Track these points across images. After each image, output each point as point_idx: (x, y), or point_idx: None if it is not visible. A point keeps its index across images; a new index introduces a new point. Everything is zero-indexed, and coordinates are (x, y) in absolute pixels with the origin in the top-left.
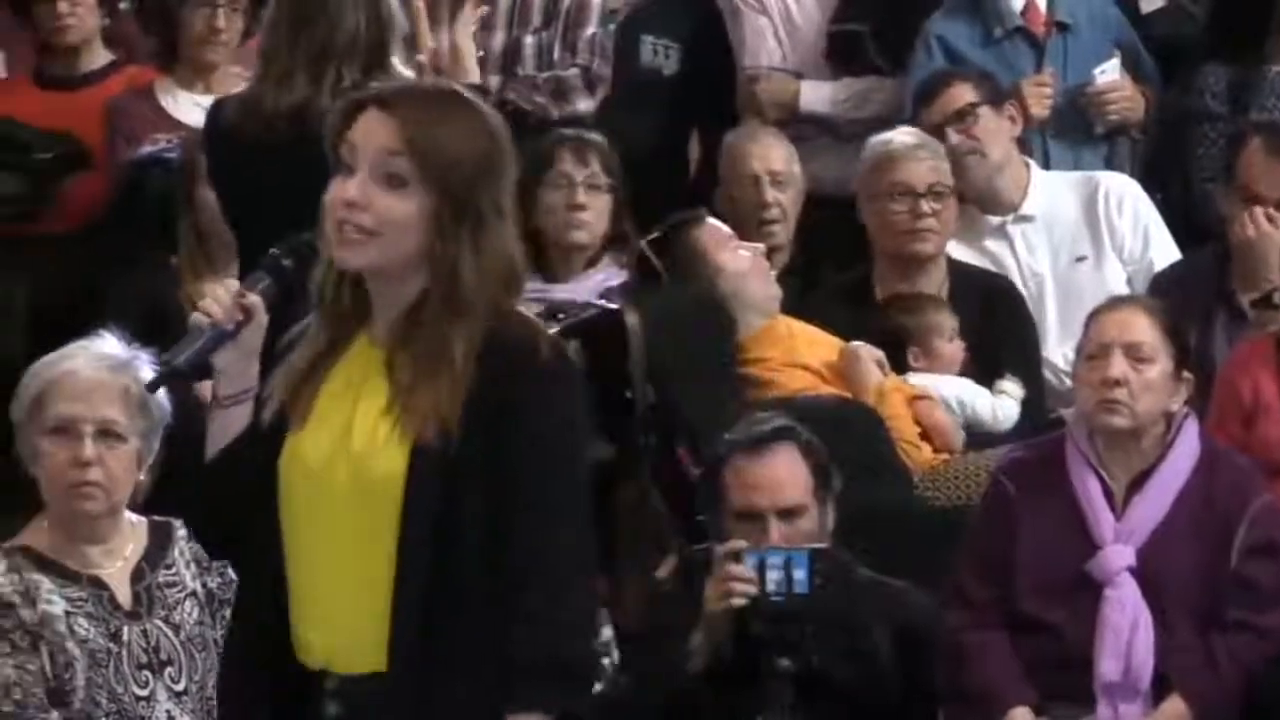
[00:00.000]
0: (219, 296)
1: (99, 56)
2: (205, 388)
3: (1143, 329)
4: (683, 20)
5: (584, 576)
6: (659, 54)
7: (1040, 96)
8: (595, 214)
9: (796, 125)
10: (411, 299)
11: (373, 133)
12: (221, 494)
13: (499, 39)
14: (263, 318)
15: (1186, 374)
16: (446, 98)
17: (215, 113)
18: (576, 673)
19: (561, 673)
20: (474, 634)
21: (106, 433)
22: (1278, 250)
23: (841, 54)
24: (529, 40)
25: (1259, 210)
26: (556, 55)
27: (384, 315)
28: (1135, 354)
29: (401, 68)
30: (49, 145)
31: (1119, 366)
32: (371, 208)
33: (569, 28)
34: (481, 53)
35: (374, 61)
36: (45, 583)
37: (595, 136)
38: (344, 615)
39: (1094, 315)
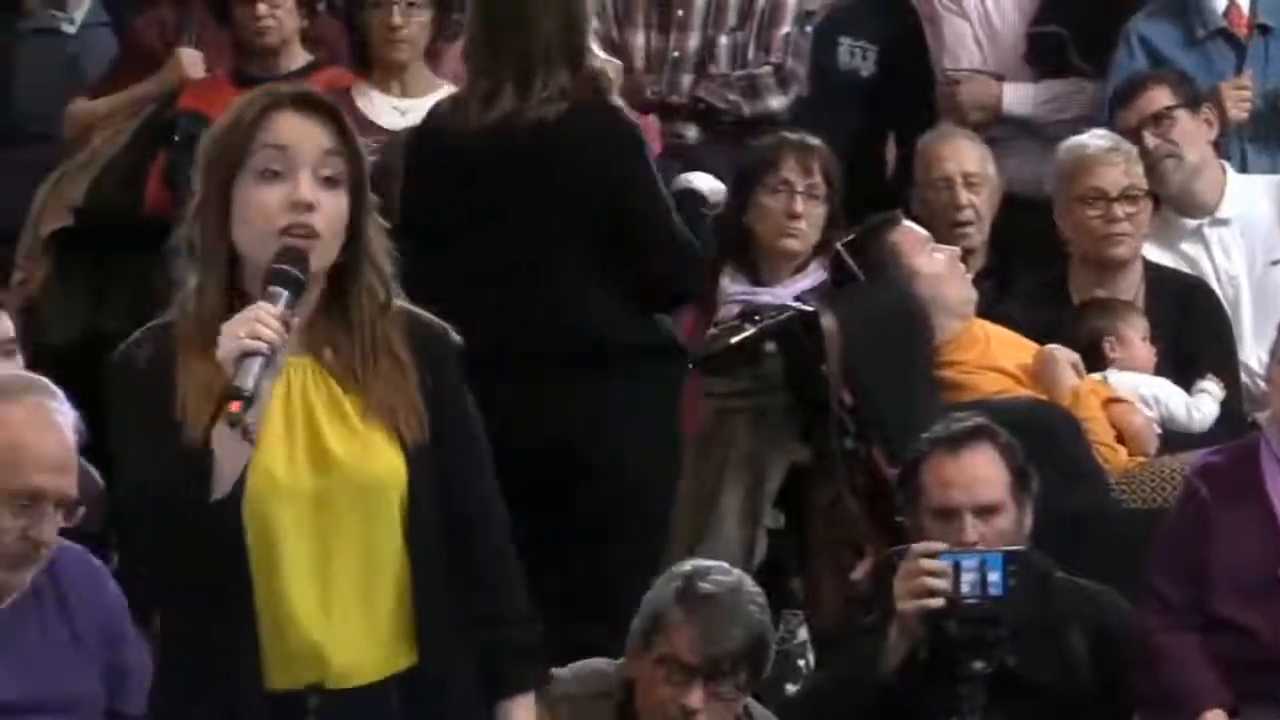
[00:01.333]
0: (265, 318)
1: (297, 58)
2: None
3: None
4: (880, 22)
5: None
6: (856, 56)
7: (1239, 99)
8: (811, 222)
9: (995, 127)
10: (314, 302)
11: (308, 135)
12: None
13: (694, 39)
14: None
15: None
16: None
17: (428, 119)
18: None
19: (537, 652)
20: (466, 623)
21: None
22: None
23: (1041, 56)
24: (723, 40)
25: None
26: (751, 55)
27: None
28: None
29: (596, 60)
30: None
31: None
32: (321, 209)
33: (763, 27)
34: (676, 53)
35: (574, 64)
36: None
37: (818, 142)
38: (344, 627)
39: None
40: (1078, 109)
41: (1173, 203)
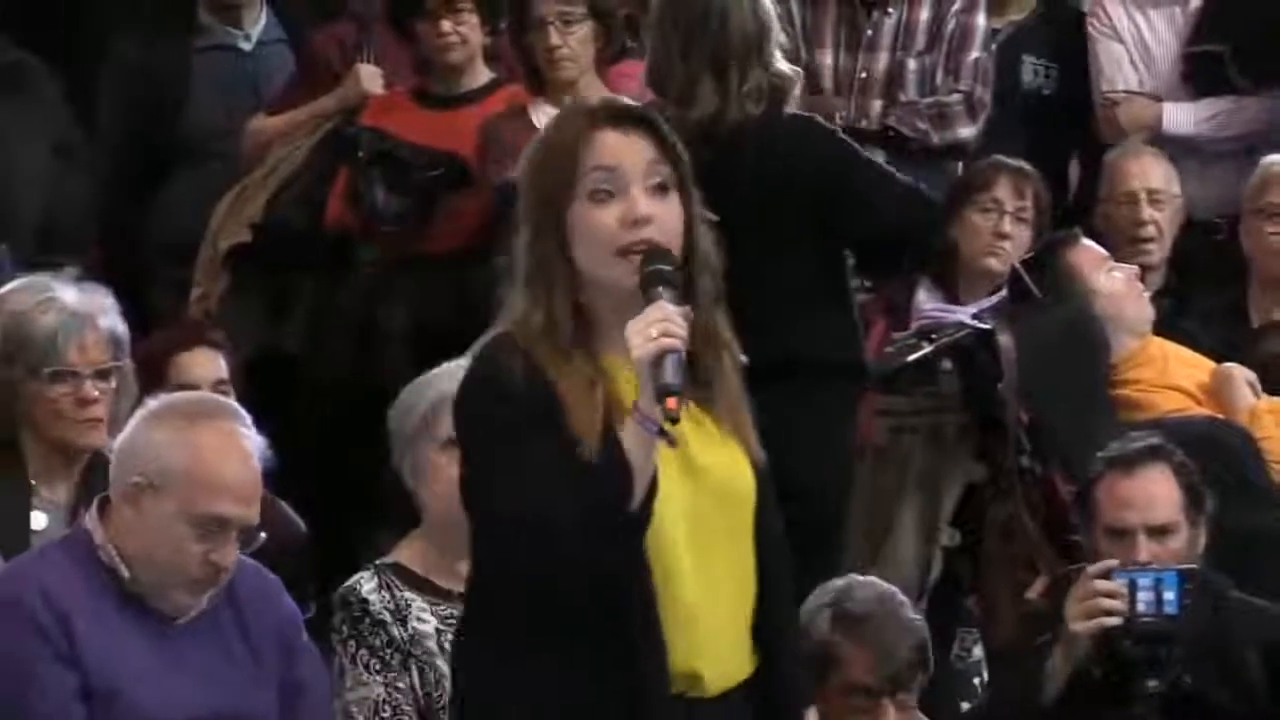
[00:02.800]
0: (672, 316)
1: (480, 75)
2: None
3: None
4: (1061, 40)
5: None
6: (1039, 74)
7: None
8: (1016, 245)
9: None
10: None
11: (632, 149)
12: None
13: (882, 60)
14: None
15: None
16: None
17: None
18: None
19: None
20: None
21: None
22: None
23: (1200, 75)
24: (912, 64)
25: None
26: (939, 79)
27: (619, 326)
28: None
29: (781, 64)
30: (430, 163)
31: None
32: (656, 220)
33: (952, 52)
34: (864, 74)
35: (761, 60)
36: (417, 600)
37: (1033, 170)
38: (721, 635)
39: None
40: (1239, 127)
41: None
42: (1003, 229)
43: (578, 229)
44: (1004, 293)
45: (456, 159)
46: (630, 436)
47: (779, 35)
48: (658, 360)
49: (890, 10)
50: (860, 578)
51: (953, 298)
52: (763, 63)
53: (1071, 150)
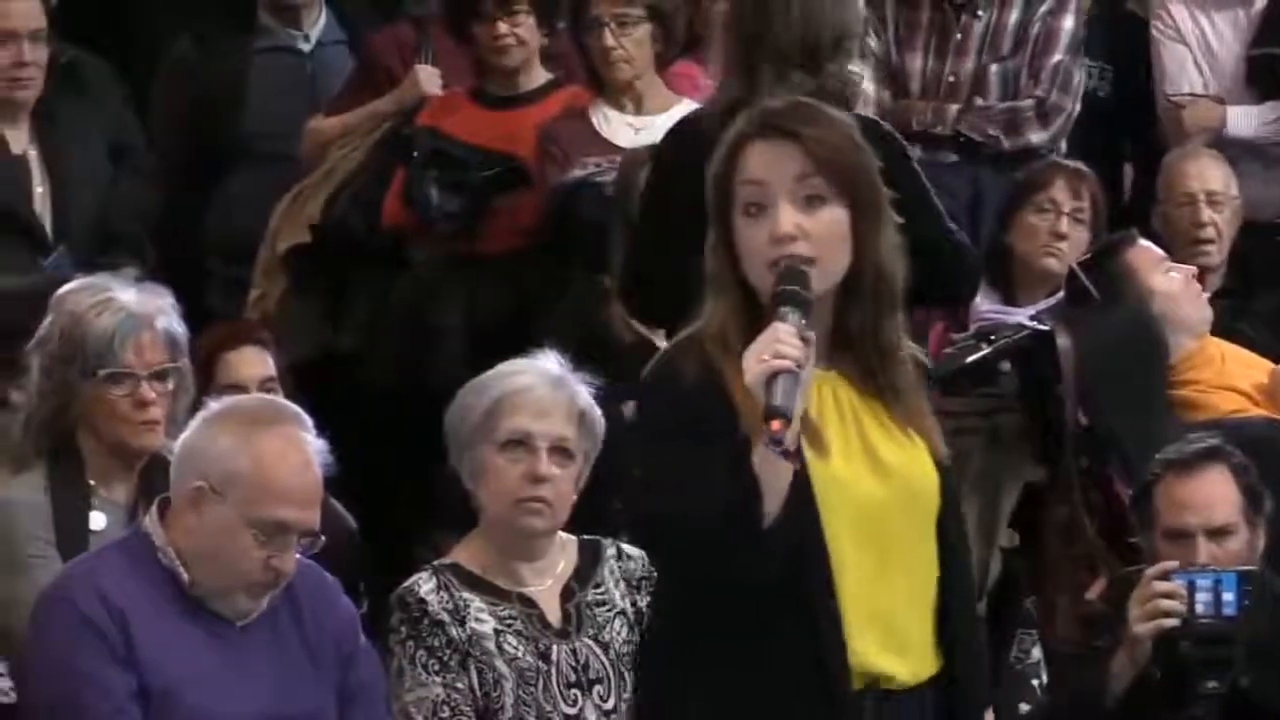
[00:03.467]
0: (784, 338)
1: (537, 76)
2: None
3: None
4: (1117, 43)
5: None
6: (1094, 76)
7: None
8: (1073, 245)
9: (1224, 151)
10: (830, 314)
11: (779, 164)
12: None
13: (969, 64)
14: (813, 353)
15: None
16: (809, 110)
17: (685, 123)
18: None
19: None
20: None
21: (559, 449)
22: None
23: (1263, 78)
24: (994, 69)
25: None
26: (1022, 83)
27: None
28: None
29: (855, 67)
30: (486, 163)
31: None
32: (807, 234)
33: (1035, 55)
34: (952, 77)
35: (836, 63)
36: (475, 601)
37: (1089, 171)
38: (906, 632)
39: None
40: None
41: None
42: (1060, 229)
43: (739, 240)
44: (1062, 294)
45: (512, 159)
46: (759, 454)
47: (858, 38)
48: (768, 382)
49: (980, 14)
50: None
51: (1009, 299)
52: (837, 63)
53: (1126, 152)
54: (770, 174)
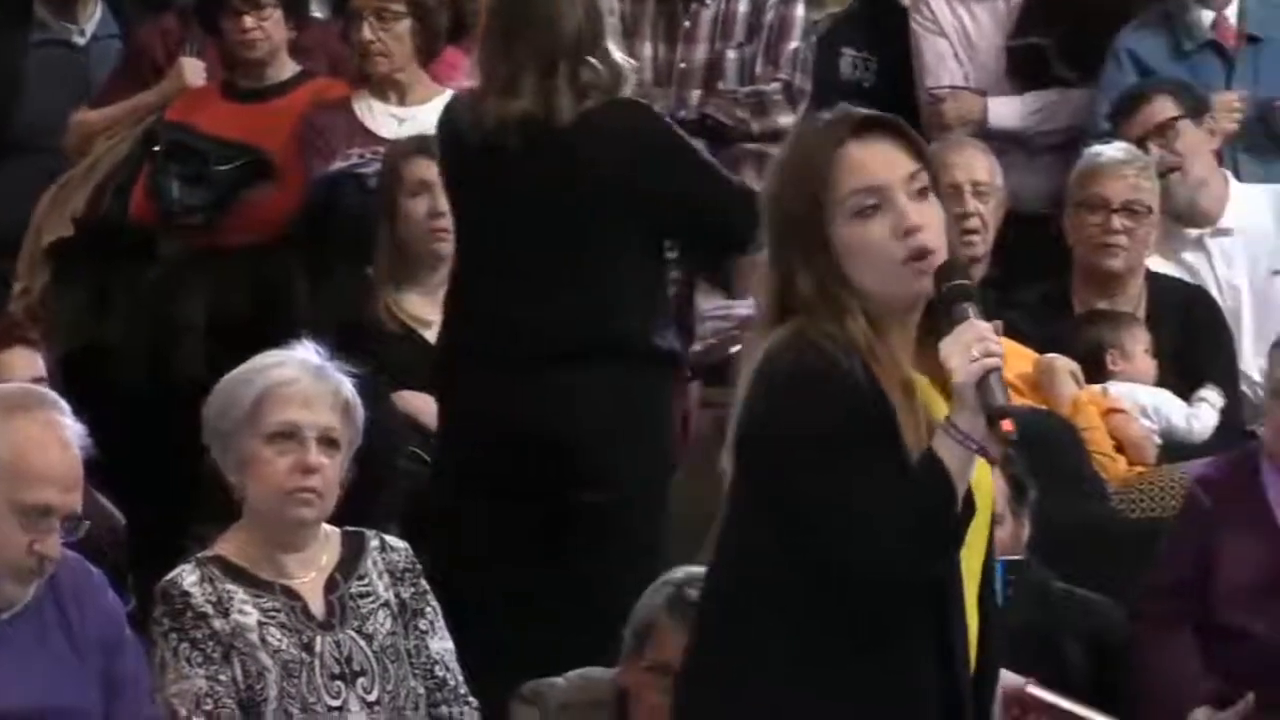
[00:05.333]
0: (988, 334)
1: (285, 68)
2: (401, 397)
3: None
4: (881, 33)
5: None
6: (859, 67)
7: (1231, 111)
8: None
9: (987, 141)
10: (918, 316)
11: (889, 162)
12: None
13: (701, 51)
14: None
15: None
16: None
17: (446, 114)
18: None
19: None
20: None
21: (326, 440)
22: None
23: (1023, 68)
24: (731, 55)
25: None
26: (759, 70)
27: (901, 335)
28: None
29: (619, 55)
30: (229, 156)
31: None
32: (928, 226)
33: (771, 42)
34: (683, 64)
35: (595, 55)
36: (239, 593)
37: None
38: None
39: (1274, 347)
40: (1065, 119)
41: (1177, 214)
42: None
43: (849, 248)
44: None
45: (255, 152)
46: (947, 451)
47: (615, 27)
48: (982, 381)
49: (708, 2)
50: None
51: (732, 294)
52: (597, 57)
53: None
54: (882, 173)
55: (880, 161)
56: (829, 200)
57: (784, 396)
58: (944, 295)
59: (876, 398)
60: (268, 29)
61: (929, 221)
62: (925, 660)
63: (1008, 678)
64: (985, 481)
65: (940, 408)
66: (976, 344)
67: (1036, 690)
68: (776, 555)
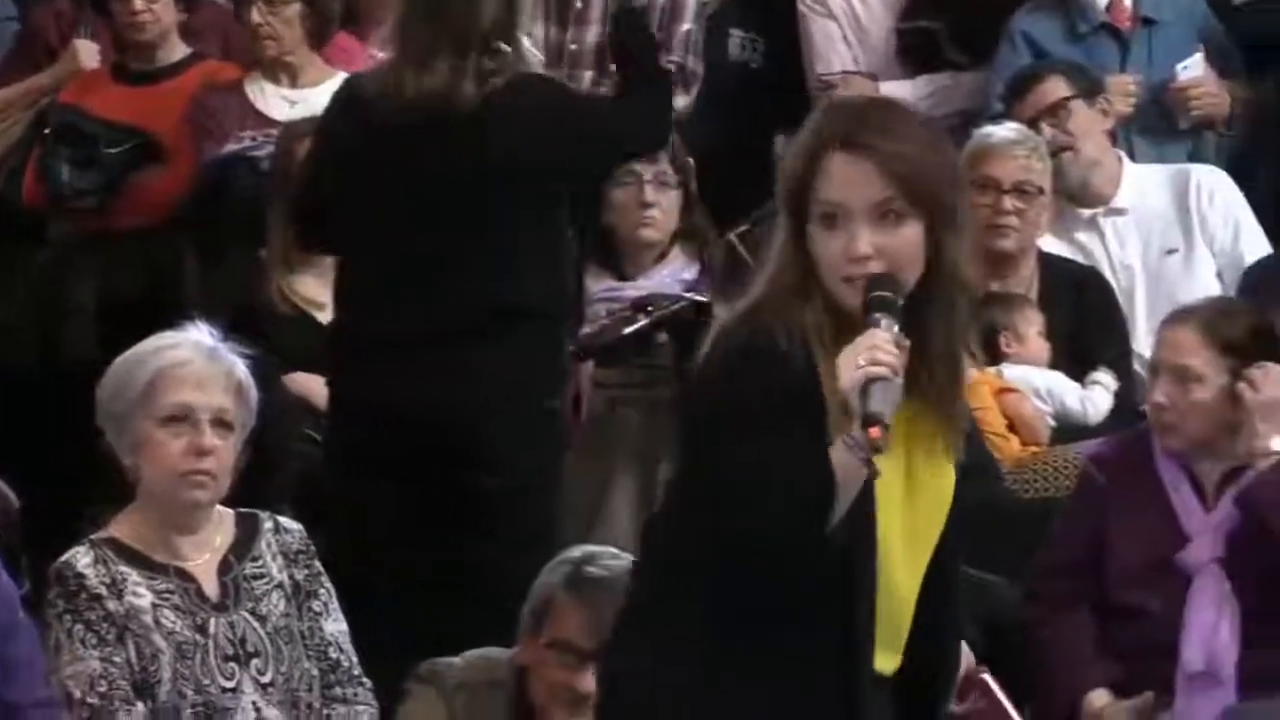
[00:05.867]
0: (881, 344)
1: (175, 51)
2: (294, 379)
3: (1190, 350)
4: (771, 15)
5: None
6: (747, 48)
7: (1125, 94)
8: (664, 211)
9: None
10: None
11: (856, 181)
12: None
13: (592, 33)
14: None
15: None
16: (894, 115)
17: (346, 89)
18: None
19: None
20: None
21: (220, 421)
22: None
23: (914, 52)
24: None
25: None
26: None
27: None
28: (1181, 376)
29: (527, 44)
30: (118, 139)
31: (1163, 390)
32: (881, 253)
33: (663, 24)
34: (574, 45)
35: (506, 40)
36: (132, 575)
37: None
38: (894, 628)
39: (1159, 329)
40: (958, 102)
41: (1070, 194)
42: (645, 198)
43: (814, 245)
44: (681, 260)
45: (145, 135)
46: (839, 455)
47: (531, 16)
48: (864, 388)
49: None
50: (616, 550)
51: (621, 275)
52: (510, 45)
53: (779, 125)
54: (848, 195)
55: (851, 181)
56: (806, 201)
57: (720, 368)
58: (864, 303)
59: (811, 387)
60: (157, 11)
61: (886, 247)
62: (826, 651)
63: (969, 657)
64: (939, 487)
65: None
66: (865, 352)
67: (988, 677)
68: (694, 530)
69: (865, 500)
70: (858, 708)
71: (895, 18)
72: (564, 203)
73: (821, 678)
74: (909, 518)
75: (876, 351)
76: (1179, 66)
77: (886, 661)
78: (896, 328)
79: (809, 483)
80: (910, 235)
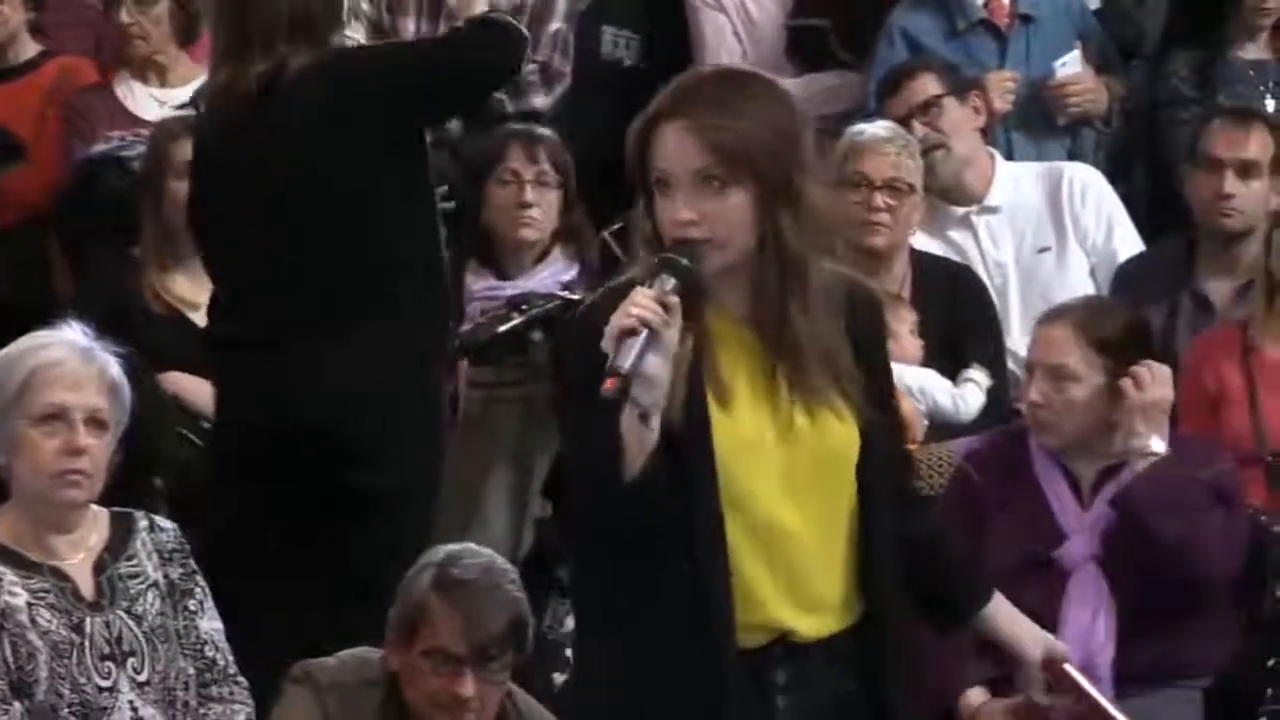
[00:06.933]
0: (640, 300)
1: (27, 49)
2: (169, 379)
3: (1065, 348)
4: (643, 12)
5: None
6: (619, 45)
7: (1003, 90)
8: (544, 210)
9: None
10: (745, 287)
11: (679, 151)
12: (650, 506)
13: None
14: (679, 318)
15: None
16: (732, 87)
17: (200, 96)
18: None
19: None
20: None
21: (94, 421)
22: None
23: (802, 49)
24: None
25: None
26: None
27: (732, 294)
28: (1057, 375)
29: (353, 34)
30: None
31: (1039, 388)
32: (706, 219)
33: (532, 22)
34: None
35: (316, 39)
36: (8, 574)
37: (545, 132)
38: (820, 589)
39: (1034, 328)
40: (845, 102)
41: (941, 191)
42: (524, 198)
43: (655, 210)
44: (561, 261)
45: (4, 134)
46: (627, 414)
47: (347, 11)
48: (618, 340)
49: None
50: (475, 547)
51: (501, 274)
52: (318, 40)
53: None
54: (671, 163)
55: (671, 150)
56: (645, 171)
57: (553, 350)
58: (655, 264)
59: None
60: (5, 11)
61: (709, 213)
62: (679, 628)
63: (1053, 643)
64: (821, 439)
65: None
66: (624, 307)
67: (1070, 668)
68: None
69: (703, 453)
70: (720, 645)
71: (786, 14)
72: (423, 189)
73: (676, 658)
74: (786, 462)
75: (631, 306)
76: (1057, 63)
77: (804, 622)
78: (672, 286)
79: (600, 441)
80: (736, 203)
